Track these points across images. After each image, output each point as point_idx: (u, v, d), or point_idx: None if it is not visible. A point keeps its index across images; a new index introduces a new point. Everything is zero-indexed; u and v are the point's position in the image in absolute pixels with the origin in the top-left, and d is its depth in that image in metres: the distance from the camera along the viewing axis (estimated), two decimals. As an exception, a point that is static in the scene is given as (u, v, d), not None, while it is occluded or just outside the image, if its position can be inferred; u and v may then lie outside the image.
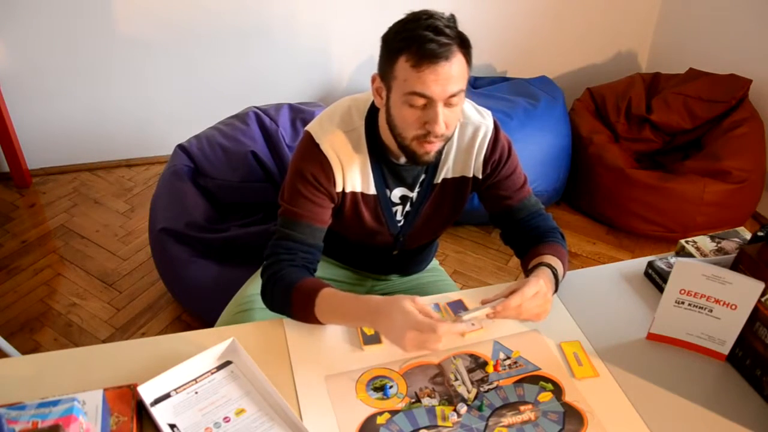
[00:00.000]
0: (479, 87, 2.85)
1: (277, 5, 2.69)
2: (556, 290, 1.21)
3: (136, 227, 2.52)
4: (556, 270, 1.20)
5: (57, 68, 2.61)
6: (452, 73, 1.06)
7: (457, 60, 1.07)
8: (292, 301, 1.16)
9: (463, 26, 1.12)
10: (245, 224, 2.06)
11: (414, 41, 1.05)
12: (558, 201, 2.74)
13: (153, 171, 2.87)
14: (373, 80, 1.17)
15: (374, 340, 1.16)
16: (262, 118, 2.18)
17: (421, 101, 1.08)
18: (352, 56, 2.87)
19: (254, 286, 1.43)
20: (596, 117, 2.76)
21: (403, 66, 1.07)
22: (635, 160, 2.64)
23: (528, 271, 1.22)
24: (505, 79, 2.88)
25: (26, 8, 2.44)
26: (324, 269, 1.48)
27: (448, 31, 1.06)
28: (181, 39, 2.67)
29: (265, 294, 1.21)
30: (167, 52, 2.69)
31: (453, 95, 1.08)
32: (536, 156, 2.47)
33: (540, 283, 1.11)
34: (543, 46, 3.12)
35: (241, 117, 2.20)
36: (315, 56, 2.85)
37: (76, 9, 2.49)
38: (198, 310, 2.05)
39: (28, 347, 1.99)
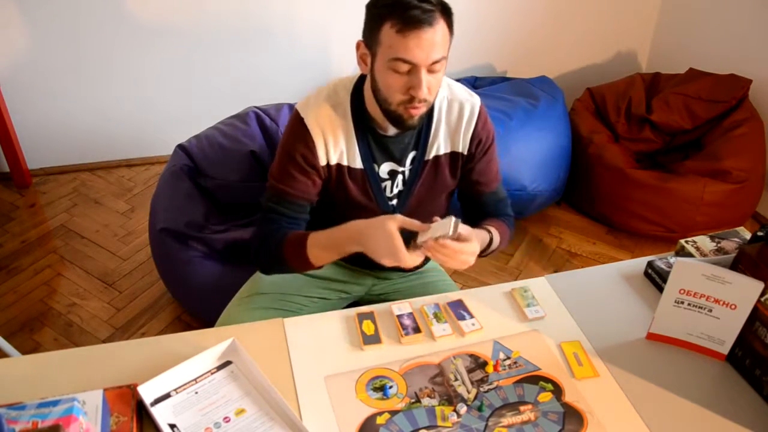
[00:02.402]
0: (479, 87, 2.84)
1: (277, 5, 2.69)
2: (487, 251, 1.30)
3: (136, 227, 2.52)
4: (490, 231, 1.29)
5: (57, 68, 2.61)
6: (436, 39, 1.09)
7: (440, 26, 1.10)
8: (285, 253, 1.23)
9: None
10: (245, 224, 2.06)
11: (398, 7, 1.08)
12: (558, 201, 2.74)
13: (153, 171, 2.87)
14: (358, 47, 1.19)
15: (374, 340, 1.17)
16: (262, 118, 2.18)
17: (405, 67, 1.11)
18: (352, 56, 2.85)
19: (255, 285, 1.44)
20: (596, 117, 2.76)
21: (387, 32, 1.09)
22: (635, 160, 2.64)
23: None
24: (505, 79, 2.88)
25: (26, 8, 2.44)
26: (323, 268, 1.48)
27: None
28: (181, 39, 2.67)
29: (258, 258, 1.29)
30: (168, 52, 2.69)
31: (436, 62, 1.11)
32: (536, 156, 2.46)
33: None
34: (543, 46, 3.12)
35: (241, 117, 2.20)
36: (315, 56, 2.85)
37: (76, 9, 2.49)
38: (198, 310, 2.05)
39: (28, 347, 1.99)
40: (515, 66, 3.14)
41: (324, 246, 1.22)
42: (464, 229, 1.14)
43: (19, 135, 2.65)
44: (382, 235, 1.11)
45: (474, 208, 1.43)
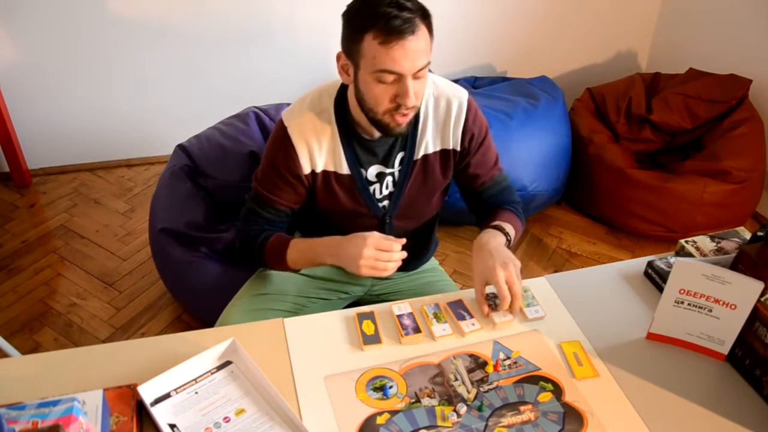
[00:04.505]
0: (479, 87, 2.84)
1: (277, 5, 2.69)
2: (510, 243, 1.30)
3: (136, 227, 2.52)
4: (505, 231, 1.28)
5: (57, 68, 2.61)
6: (419, 46, 1.09)
7: (422, 33, 1.10)
8: (266, 255, 1.30)
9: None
10: (245, 224, 2.06)
11: (379, 18, 1.07)
12: (558, 201, 2.74)
13: (153, 171, 2.87)
14: (338, 58, 1.19)
15: (374, 340, 1.17)
16: (262, 118, 2.18)
17: (391, 77, 1.11)
18: (352, 56, 2.86)
19: (255, 285, 1.44)
20: (596, 117, 2.76)
21: (370, 44, 1.09)
22: (635, 160, 2.64)
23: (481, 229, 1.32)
24: (505, 79, 2.88)
25: (26, 8, 2.44)
26: (320, 269, 1.48)
27: (409, 4, 1.08)
28: (181, 39, 2.67)
29: (241, 256, 1.35)
30: (167, 53, 2.69)
31: (421, 68, 1.11)
32: (536, 156, 2.46)
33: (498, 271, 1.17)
34: (543, 46, 3.12)
35: (241, 117, 2.20)
36: (315, 56, 2.85)
37: (76, 9, 2.49)
38: (198, 310, 2.05)
39: (28, 347, 1.99)
40: (515, 66, 3.14)
41: (301, 255, 1.29)
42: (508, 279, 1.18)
43: (19, 135, 2.65)
44: (356, 242, 1.18)
45: (479, 204, 1.42)
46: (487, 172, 1.38)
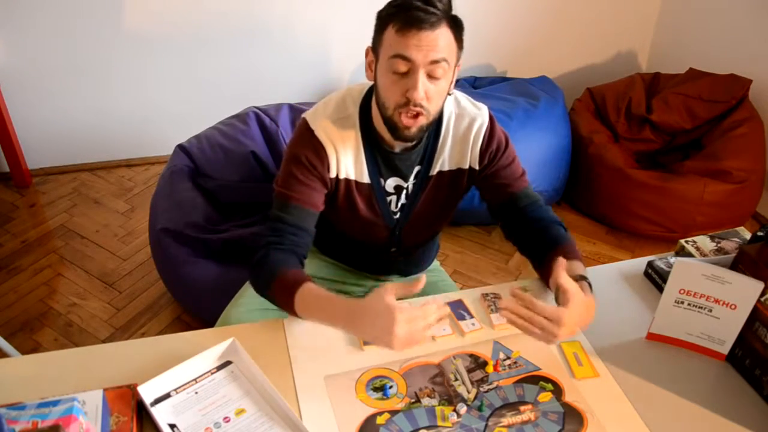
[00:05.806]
0: (479, 87, 2.85)
1: (276, 5, 2.69)
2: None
3: (136, 227, 2.52)
4: (583, 276, 1.17)
5: (57, 68, 2.61)
6: (437, 42, 1.07)
7: (443, 32, 1.08)
8: (275, 291, 1.15)
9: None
10: (245, 224, 2.06)
11: (402, 9, 1.07)
12: (558, 201, 2.74)
13: (153, 171, 2.87)
14: (366, 54, 1.19)
15: (374, 340, 1.16)
16: (262, 118, 2.18)
17: (404, 67, 1.09)
18: (352, 56, 2.87)
19: (254, 286, 1.43)
20: (596, 117, 2.76)
21: (389, 33, 1.09)
22: (635, 160, 2.64)
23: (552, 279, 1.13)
24: (505, 79, 2.89)
25: (27, 7, 2.44)
26: (323, 269, 1.48)
27: (438, 4, 1.07)
28: (181, 39, 2.67)
29: (252, 278, 1.22)
30: (168, 52, 2.69)
31: (435, 62, 1.08)
32: (536, 156, 2.46)
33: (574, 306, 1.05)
34: (543, 46, 3.13)
35: (241, 117, 2.20)
36: (315, 56, 2.85)
37: (77, 8, 2.49)
38: (198, 310, 2.05)
39: (28, 347, 1.99)
40: (515, 66, 3.14)
41: (312, 307, 1.12)
42: (565, 281, 1.06)
43: (19, 135, 2.65)
44: (383, 321, 1.00)
45: (513, 219, 1.31)
46: (515, 182, 1.30)
